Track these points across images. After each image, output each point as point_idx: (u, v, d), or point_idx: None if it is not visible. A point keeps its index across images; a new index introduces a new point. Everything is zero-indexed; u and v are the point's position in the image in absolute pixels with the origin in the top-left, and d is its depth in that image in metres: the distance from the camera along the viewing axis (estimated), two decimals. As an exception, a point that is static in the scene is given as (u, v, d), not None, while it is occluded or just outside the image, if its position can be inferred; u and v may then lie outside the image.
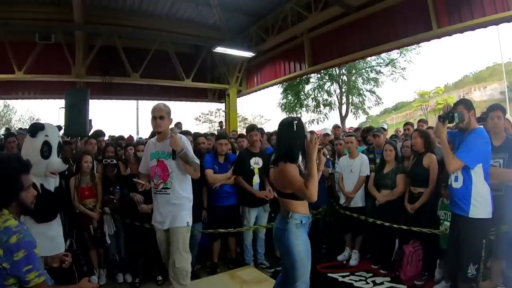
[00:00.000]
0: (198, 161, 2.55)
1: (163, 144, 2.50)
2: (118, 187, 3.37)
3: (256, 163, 3.61)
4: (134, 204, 3.21)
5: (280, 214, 2.05)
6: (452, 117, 2.31)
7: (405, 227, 3.15)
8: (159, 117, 2.43)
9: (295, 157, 1.94)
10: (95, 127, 5.30)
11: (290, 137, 1.96)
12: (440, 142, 2.44)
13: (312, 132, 4.05)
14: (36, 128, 2.10)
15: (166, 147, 2.46)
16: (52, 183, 2.27)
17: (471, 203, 2.24)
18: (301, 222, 1.97)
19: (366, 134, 4.65)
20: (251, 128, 3.85)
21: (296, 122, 1.97)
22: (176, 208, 2.46)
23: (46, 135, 2.05)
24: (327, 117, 17.56)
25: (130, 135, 7.37)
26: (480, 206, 2.23)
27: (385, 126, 6.75)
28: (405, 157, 3.59)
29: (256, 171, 3.59)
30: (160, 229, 2.52)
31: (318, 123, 17.40)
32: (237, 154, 3.95)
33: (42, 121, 2.21)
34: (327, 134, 5.15)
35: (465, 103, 2.37)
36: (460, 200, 2.30)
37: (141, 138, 7.08)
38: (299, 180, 1.88)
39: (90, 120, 5.03)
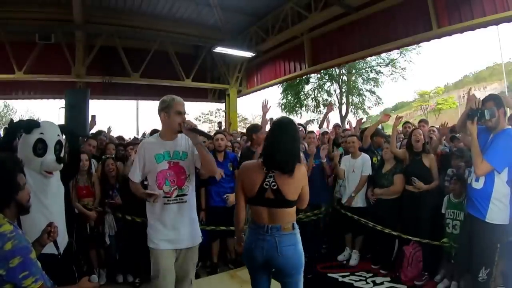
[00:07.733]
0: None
1: (176, 143, 2.04)
2: (115, 191, 3.36)
3: None
4: (134, 204, 3.21)
5: (281, 229, 1.75)
6: (482, 113, 2.09)
7: (404, 236, 3.15)
8: (184, 112, 2.04)
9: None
10: (95, 127, 5.16)
11: (295, 140, 1.82)
12: (471, 142, 2.21)
13: (311, 132, 3.97)
14: (30, 125, 2.02)
15: (180, 145, 2.04)
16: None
17: (489, 207, 2.12)
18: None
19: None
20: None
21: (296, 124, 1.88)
22: (193, 220, 2.08)
23: (41, 133, 1.97)
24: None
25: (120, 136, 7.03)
26: (498, 211, 2.12)
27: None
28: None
29: None
30: (168, 250, 1.97)
31: (318, 123, 17.40)
32: (240, 152, 3.91)
33: (41, 121, 2.14)
34: (326, 133, 5.14)
35: (495, 100, 2.17)
36: (478, 202, 2.18)
37: (136, 137, 6.97)
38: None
39: (94, 116, 4.82)
